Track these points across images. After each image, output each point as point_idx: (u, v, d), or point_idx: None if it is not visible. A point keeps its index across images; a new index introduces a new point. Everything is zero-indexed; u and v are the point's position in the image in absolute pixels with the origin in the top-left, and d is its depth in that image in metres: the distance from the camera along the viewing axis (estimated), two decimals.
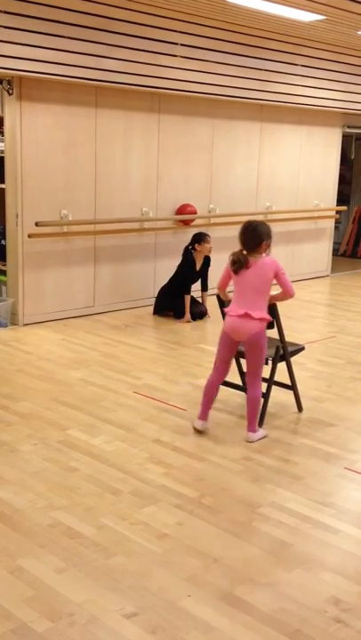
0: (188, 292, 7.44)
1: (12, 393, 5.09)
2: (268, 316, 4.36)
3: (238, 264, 4.28)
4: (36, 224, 6.80)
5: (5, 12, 5.86)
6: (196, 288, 7.61)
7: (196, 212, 8.23)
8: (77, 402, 4.96)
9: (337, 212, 10.57)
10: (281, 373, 4.84)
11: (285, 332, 4.74)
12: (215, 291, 4.94)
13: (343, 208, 11.00)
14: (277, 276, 4.31)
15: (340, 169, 10.58)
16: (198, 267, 7.51)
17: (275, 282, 4.37)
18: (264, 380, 4.55)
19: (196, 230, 8.04)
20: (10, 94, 6.49)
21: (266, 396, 4.64)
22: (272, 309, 4.44)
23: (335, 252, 11.72)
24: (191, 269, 7.47)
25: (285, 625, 2.68)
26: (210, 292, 7.47)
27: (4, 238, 7.04)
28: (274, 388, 4.82)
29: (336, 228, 11.31)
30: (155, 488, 3.73)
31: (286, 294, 4.39)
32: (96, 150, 7.27)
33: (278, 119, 9.13)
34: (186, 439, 4.39)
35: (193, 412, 4.84)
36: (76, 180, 7.15)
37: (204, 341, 6.69)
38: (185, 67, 7.33)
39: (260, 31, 7.79)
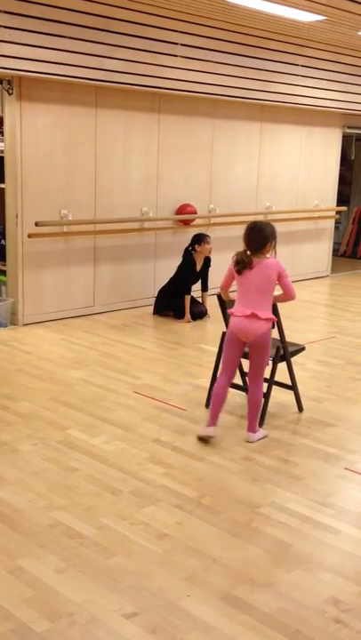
0: (189, 292, 7.44)
1: (12, 393, 5.09)
2: (273, 317, 4.37)
3: (242, 264, 4.28)
4: (36, 224, 6.79)
5: (6, 12, 5.86)
6: (196, 288, 7.61)
7: (196, 212, 8.23)
8: (77, 402, 4.96)
9: (337, 212, 10.57)
10: (281, 373, 4.84)
11: (285, 332, 4.74)
12: (215, 291, 4.95)
13: (343, 208, 11.01)
14: (280, 277, 4.30)
15: (341, 169, 10.59)
16: (199, 267, 7.51)
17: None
18: (264, 380, 4.55)
19: (196, 230, 8.04)
20: (10, 94, 6.49)
21: (266, 396, 4.64)
22: (273, 310, 4.44)
23: (335, 253, 11.72)
24: (191, 270, 7.47)
25: (285, 625, 2.68)
26: (210, 292, 7.48)
27: (4, 238, 7.04)
28: (274, 388, 4.82)
29: (336, 228, 11.31)
30: (155, 488, 3.73)
31: (287, 296, 4.39)
32: (96, 150, 7.27)
33: (278, 119, 9.14)
34: (186, 439, 4.39)
35: (193, 412, 4.84)
36: (76, 179, 7.15)
37: (204, 341, 6.69)
38: (186, 67, 7.33)
39: (261, 31, 7.79)
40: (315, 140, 9.79)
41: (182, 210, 8.13)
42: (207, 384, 5.04)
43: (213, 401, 4.40)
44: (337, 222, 11.08)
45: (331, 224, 10.48)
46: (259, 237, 4.27)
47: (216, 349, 4.97)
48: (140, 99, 7.49)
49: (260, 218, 8.46)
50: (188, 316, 7.40)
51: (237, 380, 5.03)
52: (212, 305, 6.85)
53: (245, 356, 4.50)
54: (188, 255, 7.48)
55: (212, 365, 4.99)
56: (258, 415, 4.47)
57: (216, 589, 2.89)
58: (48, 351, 6.13)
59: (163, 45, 7.05)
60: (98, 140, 7.26)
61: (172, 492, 3.69)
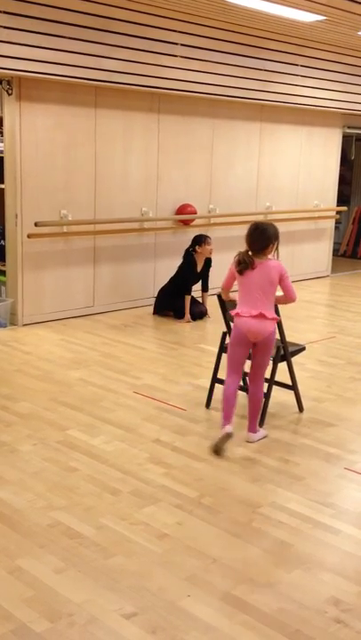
0: (189, 292, 7.44)
1: (12, 393, 5.09)
2: (277, 316, 4.37)
3: (244, 264, 4.26)
4: (36, 224, 6.79)
5: (5, 13, 5.86)
6: (196, 288, 7.60)
7: (195, 212, 8.22)
8: (77, 402, 4.95)
9: (337, 212, 10.57)
10: (281, 373, 4.84)
11: (285, 332, 4.74)
12: (215, 291, 4.94)
13: (343, 208, 11.00)
14: (281, 279, 4.29)
15: (341, 169, 10.58)
16: (199, 268, 7.51)
17: None
18: (265, 380, 4.54)
19: (196, 230, 8.04)
20: (9, 94, 6.49)
21: (266, 396, 4.63)
22: (275, 310, 4.44)
23: (335, 253, 11.72)
24: (192, 271, 7.46)
25: (285, 625, 2.68)
26: (210, 292, 7.48)
27: (4, 238, 7.04)
28: (274, 388, 4.82)
29: (336, 228, 11.31)
30: (154, 488, 3.72)
31: (288, 299, 4.37)
32: (96, 150, 7.26)
33: (278, 119, 9.13)
34: (186, 439, 4.39)
35: (193, 412, 4.84)
36: (76, 180, 7.14)
37: (204, 341, 6.68)
38: (185, 67, 7.33)
39: (261, 31, 7.79)
40: (315, 140, 9.79)
41: (182, 210, 8.12)
42: (207, 384, 5.04)
43: (226, 403, 4.28)
44: (337, 222, 11.08)
45: (331, 224, 10.48)
46: (261, 238, 4.25)
47: (216, 349, 4.97)
48: (139, 99, 7.48)
49: (260, 218, 8.47)
50: (188, 316, 7.40)
51: None
52: (212, 305, 6.85)
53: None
54: (189, 256, 7.47)
55: (212, 365, 4.99)
56: (258, 415, 4.47)
57: (216, 589, 2.88)
58: (48, 351, 6.13)
59: (162, 45, 7.05)
60: (97, 141, 7.26)
61: (171, 492, 3.69)
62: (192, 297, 7.52)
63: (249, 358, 4.47)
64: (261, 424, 4.56)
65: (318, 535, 3.33)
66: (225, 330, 4.95)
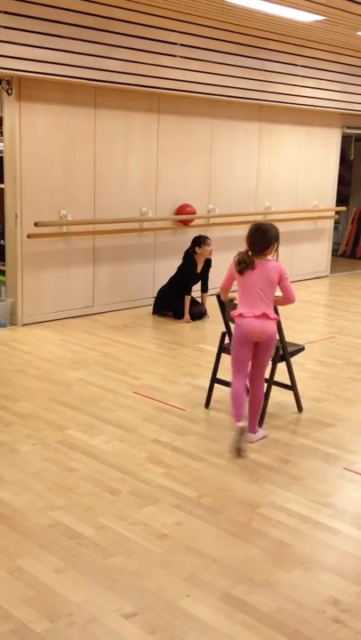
0: (189, 293, 7.44)
1: (11, 393, 5.09)
2: (277, 316, 4.39)
3: (244, 264, 4.26)
4: (36, 224, 6.80)
5: (5, 13, 5.86)
6: (195, 288, 7.61)
7: (195, 213, 8.23)
8: (76, 402, 4.96)
9: (336, 212, 10.57)
10: (280, 373, 4.84)
11: (285, 333, 4.74)
12: (215, 291, 4.94)
13: (342, 208, 11.01)
14: (281, 280, 4.29)
15: (340, 169, 10.59)
16: (199, 269, 7.52)
17: None
18: (264, 380, 4.55)
19: (195, 230, 8.05)
20: (9, 94, 6.49)
21: (266, 396, 4.64)
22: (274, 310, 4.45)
23: (334, 253, 11.72)
24: (192, 272, 7.47)
25: (284, 625, 2.68)
26: (210, 292, 7.48)
27: (3, 238, 7.04)
28: (274, 388, 4.82)
29: (335, 228, 11.31)
30: (154, 488, 3.73)
31: (287, 300, 4.38)
32: (95, 150, 7.27)
33: (277, 119, 9.14)
34: (185, 439, 4.39)
35: (192, 412, 4.84)
36: (76, 180, 7.15)
37: (203, 341, 6.69)
38: (185, 67, 7.33)
39: (260, 31, 7.80)
40: (314, 141, 9.79)
41: (181, 210, 8.13)
42: (206, 384, 5.05)
43: (235, 404, 4.26)
44: (336, 222, 11.08)
45: (330, 224, 10.48)
46: (262, 240, 4.26)
47: (215, 350, 4.98)
48: (138, 99, 7.49)
49: (259, 218, 8.47)
50: (187, 316, 7.40)
51: None
52: (211, 305, 6.86)
53: None
54: (189, 257, 7.47)
55: (212, 365, 5.00)
56: (258, 415, 4.47)
57: (215, 589, 2.89)
58: (47, 351, 6.13)
59: (162, 45, 7.05)
60: (97, 141, 7.26)
61: (171, 492, 3.70)
62: (191, 297, 7.52)
63: None
64: (261, 424, 4.56)
65: (317, 535, 3.34)
66: (224, 330, 4.96)
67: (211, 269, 7.59)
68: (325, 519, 3.49)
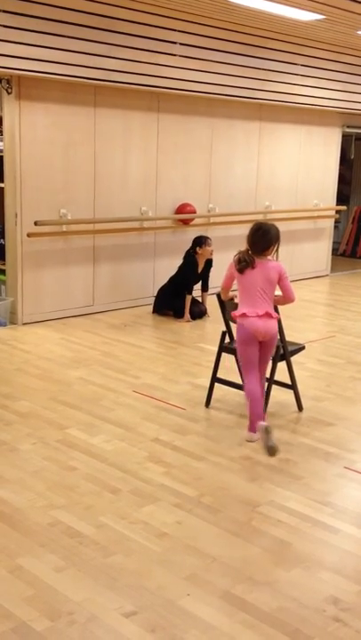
0: (190, 292, 7.44)
1: (12, 392, 5.09)
2: (277, 315, 4.40)
3: (244, 263, 4.27)
4: (35, 223, 6.79)
5: (5, 12, 5.86)
6: (196, 287, 7.60)
7: (195, 212, 8.23)
8: (76, 401, 4.96)
9: (336, 211, 10.57)
10: (281, 373, 4.84)
11: (285, 332, 4.74)
12: (215, 290, 4.94)
13: (343, 208, 11.00)
14: (280, 279, 4.30)
15: (340, 168, 10.58)
16: (200, 269, 7.52)
17: None
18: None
19: (195, 229, 8.05)
20: (9, 93, 6.49)
21: (266, 395, 4.64)
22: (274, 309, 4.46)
23: (335, 252, 11.72)
24: (193, 272, 7.47)
25: (284, 624, 2.68)
26: (210, 291, 7.48)
27: (3, 237, 7.04)
28: (274, 387, 4.82)
29: (336, 227, 11.31)
30: (154, 487, 3.73)
31: (287, 299, 4.38)
32: (95, 150, 7.27)
33: (277, 119, 9.13)
34: (185, 438, 4.39)
35: (192, 412, 4.84)
36: (75, 179, 7.14)
37: (203, 341, 6.69)
38: (185, 66, 7.33)
39: (260, 30, 7.80)
40: (314, 140, 9.79)
41: (182, 209, 8.13)
42: (207, 383, 5.05)
43: (255, 404, 4.25)
44: (336, 222, 11.08)
45: (330, 223, 10.48)
46: (263, 240, 4.26)
47: (216, 349, 4.98)
48: (138, 98, 7.49)
49: (259, 217, 8.47)
50: (187, 315, 7.40)
51: (237, 379, 5.04)
52: (211, 305, 6.85)
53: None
54: (191, 257, 7.47)
55: (212, 365, 4.99)
56: None
57: (216, 588, 2.89)
58: (47, 350, 6.13)
59: (162, 45, 7.05)
60: (97, 140, 7.26)
61: (171, 491, 3.70)
62: (192, 296, 7.52)
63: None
64: None
65: (317, 534, 3.34)
66: (224, 329, 4.96)
67: (211, 269, 7.59)
68: (326, 518, 3.49)
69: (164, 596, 2.82)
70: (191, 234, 7.82)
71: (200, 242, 7.44)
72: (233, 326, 4.71)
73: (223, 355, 4.93)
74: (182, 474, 3.90)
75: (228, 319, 4.87)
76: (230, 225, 8.60)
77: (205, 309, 7.57)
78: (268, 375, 4.68)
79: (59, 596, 2.80)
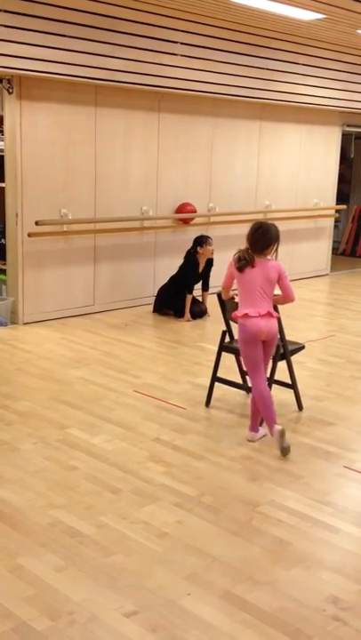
0: (191, 292, 7.44)
1: (12, 392, 5.10)
2: (277, 314, 4.41)
3: (244, 261, 4.27)
4: (36, 223, 6.80)
5: (7, 12, 5.86)
6: (196, 287, 7.60)
7: (195, 211, 8.23)
8: (77, 401, 4.96)
9: (336, 210, 10.57)
10: (281, 372, 4.85)
11: (285, 331, 4.75)
12: (215, 289, 4.94)
13: (343, 207, 11.01)
14: (280, 278, 4.30)
15: (340, 168, 10.58)
16: (201, 269, 7.52)
17: None
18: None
19: (196, 229, 8.05)
20: (10, 93, 6.49)
21: None
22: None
23: (335, 251, 11.72)
24: (195, 272, 7.47)
25: (285, 623, 2.69)
26: (210, 290, 7.48)
27: (4, 237, 7.04)
28: (274, 386, 4.82)
29: (336, 226, 11.31)
30: (154, 487, 3.73)
31: (286, 298, 4.38)
32: (96, 149, 7.27)
33: (278, 118, 9.13)
34: (185, 438, 4.40)
35: (193, 411, 4.85)
36: (76, 179, 7.15)
37: (203, 340, 6.69)
38: (188, 66, 7.34)
39: (262, 30, 7.80)
40: (314, 139, 9.79)
41: (182, 209, 8.13)
42: (207, 383, 5.05)
43: (265, 407, 4.26)
44: (336, 221, 11.08)
45: (330, 223, 10.48)
46: (263, 239, 4.27)
47: (216, 348, 4.98)
48: (140, 97, 7.49)
49: (259, 216, 8.47)
50: (188, 314, 7.41)
51: (237, 378, 5.04)
52: (211, 304, 6.86)
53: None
54: (192, 257, 7.47)
55: (212, 364, 5.00)
56: (260, 414, 4.47)
57: (216, 588, 2.89)
58: (48, 350, 6.14)
59: (164, 44, 7.05)
60: (98, 140, 7.26)
61: (171, 490, 3.70)
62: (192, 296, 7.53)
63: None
64: (262, 423, 4.56)
65: (318, 534, 3.34)
66: (225, 329, 4.96)
67: (212, 268, 7.59)
68: (326, 517, 3.49)
69: (165, 595, 2.83)
70: (192, 233, 7.82)
71: (201, 241, 7.44)
72: (233, 326, 4.71)
73: (223, 354, 4.94)
74: (183, 473, 3.91)
75: (228, 318, 4.87)
76: (231, 224, 8.60)
77: (206, 309, 7.58)
78: (268, 375, 4.68)
79: (59, 595, 2.80)
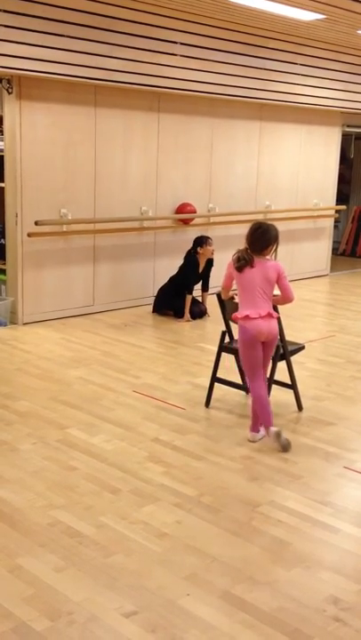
0: (190, 292, 7.44)
1: (12, 392, 5.09)
2: (277, 314, 4.41)
3: (243, 261, 4.27)
4: (36, 223, 6.80)
5: (6, 12, 5.86)
6: (196, 287, 7.60)
7: (195, 212, 8.23)
8: (77, 401, 4.96)
9: (336, 211, 10.57)
10: (281, 372, 4.85)
11: (285, 331, 4.74)
12: (215, 290, 4.94)
13: (343, 207, 11.01)
14: (279, 278, 4.30)
15: (340, 168, 10.58)
16: (201, 269, 7.52)
17: None
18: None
19: (195, 229, 8.05)
20: (9, 93, 6.49)
21: None
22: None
23: (335, 252, 11.72)
24: (195, 272, 7.47)
25: (284, 624, 2.68)
26: (210, 291, 7.48)
27: (4, 237, 7.04)
28: (274, 387, 4.82)
29: (335, 227, 11.31)
30: (154, 487, 3.73)
31: (285, 298, 4.38)
32: (95, 149, 7.27)
33: (278, 118, 9.13)
34: (185, 438, 4.39)
35: (192, 411, 4.85)
36: (76, 179, 7.15)
37: (203, 340, 6.69)
38: (187, 66, 7.33)
39: (261, 30, 7.80)
40: (314, 139, 9.79)
41: (182, 209, 8.13)
42: (207, 383, 5.05)
43: (261, 408, 4.27)
44: (336, 221, 11.08)
45: (330, 223, 10.48)
46: (263, 239, 4.26)
47: (216, 349, 4.98)
48: (139, 98, 7.49)
49: (259, 217, 8.47)
50: (187, 315, 7.40)
51: (237, 378, 5.04)
52: (211, 304, 6.86)
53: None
54: (192, 257, 7.46)
55: (212, 364, 5.00)
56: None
57: (215, 588, 2.89)
58: (48, 350, 6.13)
59: (163, 44, 7.05)
60: (97, 140, 7.26)
61: (171, 490, 3.70)
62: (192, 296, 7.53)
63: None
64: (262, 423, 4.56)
65: (317, 534, 3.34)
66: (225, 329, 4.96)
67: (212, 269, 7.59)
68: (325, 518, 3.49)
69: (164, 595, 2.83)
70: (191, 233, 7.82)
71: (201, 242, 7.44)
72: (233, 326, 4.71)
73: (223, 354, 4.94)
74: (182, 474, 3.90)
75: (228, 319, 4.87)
76: (230, 224, 8.60)
77: (205, 309, 7.58)
78: (268, 375, 4.68)
79: (59, 595, 2.80)
